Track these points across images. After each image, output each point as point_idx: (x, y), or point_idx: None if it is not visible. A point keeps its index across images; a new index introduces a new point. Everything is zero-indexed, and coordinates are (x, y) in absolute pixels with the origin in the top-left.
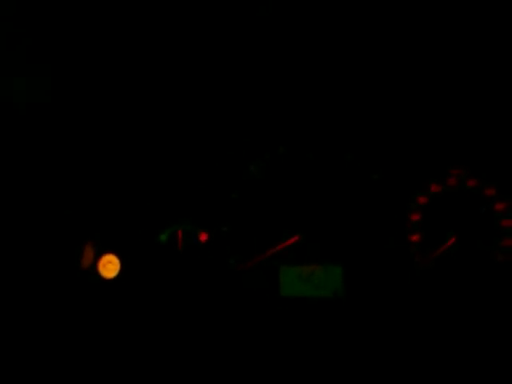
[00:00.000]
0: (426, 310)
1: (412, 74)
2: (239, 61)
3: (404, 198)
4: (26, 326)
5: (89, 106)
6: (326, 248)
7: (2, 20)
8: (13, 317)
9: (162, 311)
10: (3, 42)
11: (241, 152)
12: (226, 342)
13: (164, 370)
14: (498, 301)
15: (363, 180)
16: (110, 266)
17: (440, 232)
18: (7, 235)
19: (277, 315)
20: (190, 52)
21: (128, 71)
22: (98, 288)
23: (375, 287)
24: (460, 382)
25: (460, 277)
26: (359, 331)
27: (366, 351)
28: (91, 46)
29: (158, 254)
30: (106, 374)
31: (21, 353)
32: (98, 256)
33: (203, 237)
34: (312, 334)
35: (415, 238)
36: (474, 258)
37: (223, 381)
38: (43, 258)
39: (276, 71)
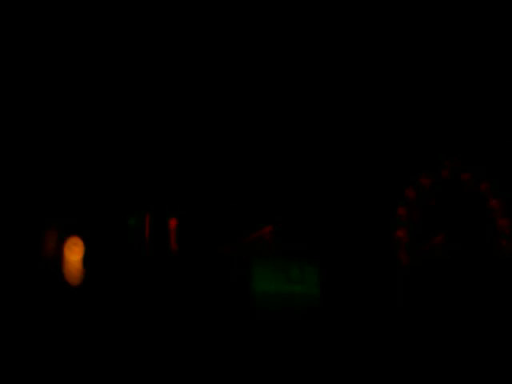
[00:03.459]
0: (410, 310)
1: (403, 62)
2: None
3: (390, 190)
4: None
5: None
6: (302, 243)
7: None
8: None
9: (129, 298)
10: None
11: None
12: (198, 331)
13: (134, 357)
14: (486, 302)
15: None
16: (74, 249)
17: (427, 228)
18: None
19: (249, 311)
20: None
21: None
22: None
23: (354, 285)
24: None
25: (447, 277)
26: (338, 329)
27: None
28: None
29: (124, 238)
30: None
31: None
32: (61, 241)
33: (172, 223)
34: (288, 332)
35: (400, 233)
36: (463, 257)
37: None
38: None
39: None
